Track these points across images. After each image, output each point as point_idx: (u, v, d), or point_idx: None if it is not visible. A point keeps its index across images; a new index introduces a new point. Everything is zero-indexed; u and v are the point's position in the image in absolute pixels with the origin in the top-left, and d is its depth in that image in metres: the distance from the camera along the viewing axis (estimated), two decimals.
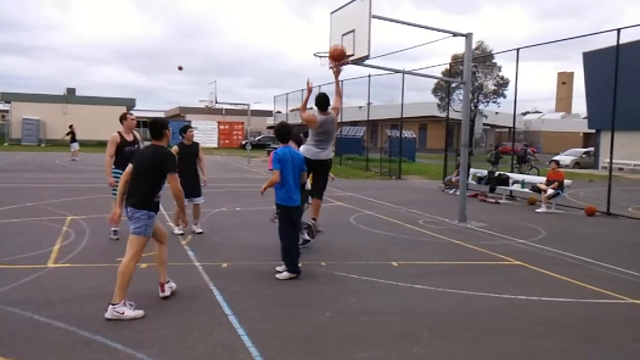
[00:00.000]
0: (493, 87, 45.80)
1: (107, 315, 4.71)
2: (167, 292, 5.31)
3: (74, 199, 12.56)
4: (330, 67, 10.74)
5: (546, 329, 4.85)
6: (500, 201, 15.03)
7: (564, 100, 71.97)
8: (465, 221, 10.87)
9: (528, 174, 20.18)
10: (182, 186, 5.25)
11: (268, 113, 58.69)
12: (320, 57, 10.55)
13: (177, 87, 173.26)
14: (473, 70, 24.82)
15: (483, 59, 41.41)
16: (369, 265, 7.09)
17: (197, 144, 9.03)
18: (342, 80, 8.23)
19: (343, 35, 9.95)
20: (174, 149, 8.47)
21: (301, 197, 6.73)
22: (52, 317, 4.70)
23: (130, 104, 48.99)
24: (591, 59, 30.01)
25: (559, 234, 9.99)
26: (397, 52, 24.87)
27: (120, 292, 4.82)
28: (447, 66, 26.01)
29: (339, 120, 7.59)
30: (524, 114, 64.06)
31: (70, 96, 50.49)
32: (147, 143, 5.83)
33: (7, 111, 51.24)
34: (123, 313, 4.73)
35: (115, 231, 8.09)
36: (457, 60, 28.41)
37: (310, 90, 7.56)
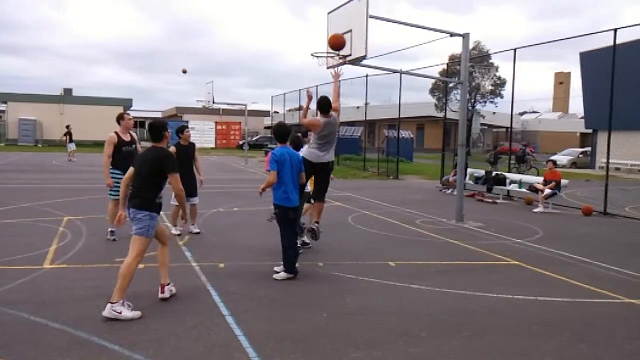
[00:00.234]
0: (490, 87, 45.87)
1: (105, 313, 4.71)
2: (167, 295, 5.30)
3: (70, 199, 12.54)
4: (329, 68, 10.76)
5: (542, 328, 4.86)
6: (498, 201, 15.06)
7: (561, 100, 72.13)
8: (462, 221, 10.88)
9: (527, 173, 20.21)
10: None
11: (265, 113, 58.67)
12: (318, 57, 10.56)
13: (174, 87, 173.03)
14: (470, 71, 24.87)
15: (480, 59, 41.48)
16: (366, 265, 7.09)
17: (193, 144, 9.03)
18: (339, 81, 8.24)
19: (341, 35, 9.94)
20: (171, 149, 8.46)
21: (300, 199, 6.74)
22: (48, 318, 4.69)
23: (127, 104, 48.91)
24: (588, 59, 30.07)
25: (556, 234, 10.00)
26: (394, 52, 24.89)
27: (120, 292, 4.83)
28: (445, 66, 26.00)
29: None
30: (521, 114, 64.20)
31: (67, 96, 50.41)
32: (144, 143, 5.84)
33: (3, 111, 51.12)
34: (120, 313, 4.72)
35: (112, 232, 8.08)
36: (454, 60, 28.47)
37: (310, 98, 7.59)
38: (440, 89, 43.80)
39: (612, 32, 12.58)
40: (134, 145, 8.33)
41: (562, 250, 8.37)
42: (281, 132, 6.55)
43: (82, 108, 46.05)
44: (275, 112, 48.19)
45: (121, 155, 8.10)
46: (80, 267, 6.52)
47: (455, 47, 53.51)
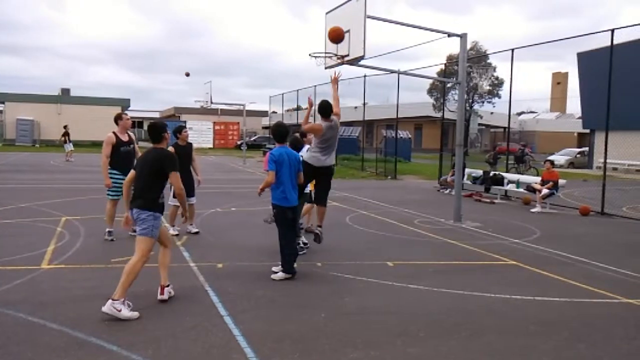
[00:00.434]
0: (488, 88, 45.93)
1: (105, 309, 4.71)
2: (166, 296, 5.29)
3: (68, 199, 12.52)
4: (327, 68, 10.77)
5: (540, 328, 4.87)
6: (495, 201, 15.07)
7: (558, 101, 72.20)
8: (460, 221, 10.89)
9: (527, 174, 20.20)
10: None
11: (264, 113, 58.67)
12: (316, 57, 10.56)
13: (173, 87, 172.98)
14: (468, 71, 24.90)
15: (478, 59, 41.53)
16: (364, 265, 7.10)
17: (190, 144, 9.04)
18: (338, 84, 8.24)
19: None
20: (170, 149, 8.45)
21: (300, 200, 6.74)
22: (46, 319, 4.68)
23: (124, 104, 48.85)
24: (585, 60, 30.14)
25: (554, 234, 10.02)
26: (392, 52, 24.94)
27: (122, 290, 4.85)
28: (442, 66, 26.04)
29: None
30: (519, 114, 64.25)
31: (64, 96, 50.34)
32: (142, 144, 5.88)
33: (1, 112, 51.01)
34: (120, 310, 4.73)
35: (110, 232, 8.07)
36: (452, 60, 28.50)
37: (311, 105, 7.61)
38: (438, 89, 43.82)
39: (610, 32, 12.61)
40: (132, 146, 8.32)
41: (559, 250, 8.39)
42: (280, 132, 6.55)
43: (80, 108, 45.95)
44: (274, 112, 48.16)
45: (119, 156, 8.09)
46: (78, 268, 6.51)
47: (453, 47, 53.51)
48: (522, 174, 19.79)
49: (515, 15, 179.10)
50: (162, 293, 5.29)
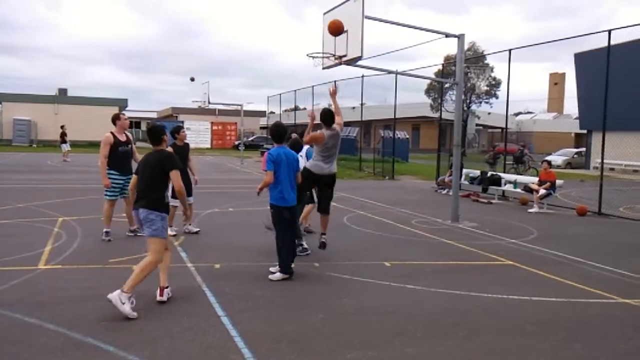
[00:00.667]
0: (485, 88, 45.98)
1: (111, 296, 4.76)
2: (164, 298, 5.29)
3: (65, 199, 12.50)
4: (324, 68, 10.78)
5: (537, 328, 4.88)
6: (493, 201, 15.10)
7: (555, 101, 72.29)
8: (457, 221, 10.91)
9: (526, 174, 20.21)
10: None
11: (261, 113, 58.62)
12: (314, 57, 10.58)
13: (170, 87, 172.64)
14: (465, 71, 24.91)
15: (475, 59, 41.57)
16: (362, 265, 7.10)
17: (187, 145, 9.06)
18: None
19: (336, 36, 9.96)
20: (169, 149, 8.47)
21: (299, 203, 6.75)
22: (43, 319, 4.67)
23: (122, 104, 48.75)
24: (583, 60, 30.19)
25: (551, 234, 10.04)
26: (390, 52, 24.93)
27: (132, 284, 4.91)
28: (440, 67, 26.07)
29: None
30: (516, 114, 64.30)
31: (61, 96, 50.21)
32: (139, 144, 5.93)
33: None
34: (124, 304, 4.76)
35: (107, 232, 8.06)
36: (449, 61, 28.51)
37: (313, 119, 7.65)
38: (436, 90, 43.89)
39: (607, 33, 12.64)
40: (129, 146, 8.32)
41: (556, 250, 8.40)
42: (278, 132, 6.56)
43: (77, 108, 45.83)
44: (272, 112, 48.20)
45: (117, 156, 8.09)
46: (75, 268, 6.50)
47: (451, 47, 53.57)
48: (521, 174, 19.80)
49: (513, 15, 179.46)
50: (161, 294, 5.29)
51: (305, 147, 8.17)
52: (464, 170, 16.92)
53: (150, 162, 5.38)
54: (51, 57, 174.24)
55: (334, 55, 10.16)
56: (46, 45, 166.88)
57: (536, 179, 14.47)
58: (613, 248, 8.99)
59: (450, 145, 16.90)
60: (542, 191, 13.31)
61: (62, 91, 53.37)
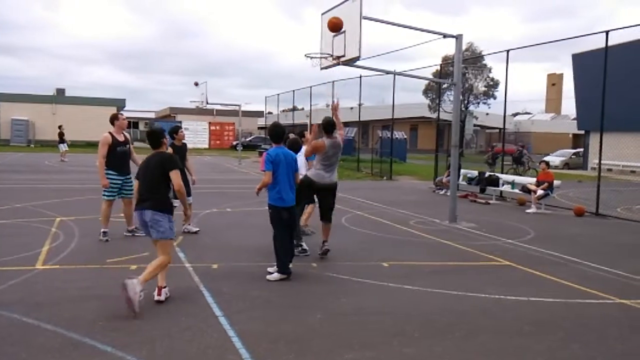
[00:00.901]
0: (483, 88, 46.03)
1: (130, 282, 4.81)
2: (162, 297, 5.29)
3: (63, 200, 12.48)
4: (322, 69, 10.79)
5: (534, 329, 4.89)
6: (490, 202, 15.11)
7: (553, 102, 72.41)
8: (455, 222, 10.92)
9: (526, 175, 20.23)
10: None
11: (259, 114, 58.64)
12: (312, 58, 10.58)
13: (168, 87, 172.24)
14: (463, 72, 24.97)
15: (473, 60, 41.63)
16: (360, 266, 7.11)
17: (185, 145, 9.08)
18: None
19: (334, 36, 9.99)
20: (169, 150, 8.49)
21: (299, 204, 6.78)
22: (40, 319, 4.67)
23: (120, 104, 48.72)
24: (580, 61, 30.25)
25: (548, 234, 10.06)
26: (388, 53, 24.95)
27: (146, 277, 5.03)
28: (438, 67, 26.10)
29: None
30: (514, 115, 64.40)
31: (59, 96, 50.16)
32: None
33: None
34: (137, 293, 4.80)
35: (104, 232, 8.05)
36: (447, 61, 28.55)
37: (316, 132, 7.66)
38: (434, 90, 43.91)
39: (604, 34, 12.66)
40: (128, 146, 8.32)
41: (554, 250, 8.42)
42: (276, 132, 6.57)
43: (75, 108, 45.80)
44: (269, 112, 48.19)
45: (115, 156, 8.08)
46: (73, 268, 6.49)
47: (449, 48, 53.63)
48: (521, 175, 19.80)
49: (511, 16, 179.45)
50: (159, 294, 5.29)
51: (304, 147, 8.18)
52: (462, 171, 16.94)
53: (151, 164, 5.45)
54: (49, 57, 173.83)
55: (332, 56, 10.17)
56: (44, 45, 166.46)
57: (532, 180, 14.50)
58: (610, 249, 9.01)
59: (448, 146, 16.94)
60: (540, 192, 13.33)
61: (60, 91, 53.30)
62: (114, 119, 8.33)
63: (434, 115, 36.04)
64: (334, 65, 10.37)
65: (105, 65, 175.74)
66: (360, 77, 24.27)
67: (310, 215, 8.74)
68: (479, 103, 46.86)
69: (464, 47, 12.39)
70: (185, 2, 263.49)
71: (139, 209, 5.40)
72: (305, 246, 7.53)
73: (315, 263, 7.10)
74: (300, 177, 6.98)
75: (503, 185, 15.68)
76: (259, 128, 61.30)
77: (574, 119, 42.50)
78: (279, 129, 6.63)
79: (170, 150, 8.52)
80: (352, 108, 37.97)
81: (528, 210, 13.24)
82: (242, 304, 5.34)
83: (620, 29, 12.84)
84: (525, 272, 7.08)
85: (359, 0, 9.40)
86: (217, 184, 17.09)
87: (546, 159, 17.54)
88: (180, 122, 45.96)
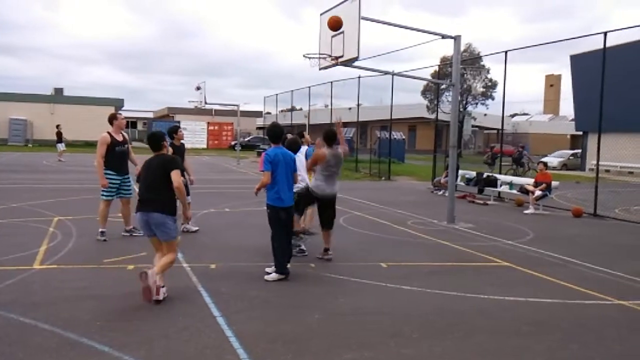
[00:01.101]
0: (481, 89, 46.09)
1: (150, 271, 5.11)
2: (160, 297, 5.28)
3: (60, 199, 12.46)
4: (321, 69, 10.78)
5: (533, 329, 4.88)
6: (489, 202, 15.11)
7: (551, 103, 72.45)
8: (453, 222, 10.92)
9: (526, 176, 20.22)
10: None
11: (258, 114, 58.62)
12: (310, 58, 10.57)
13: (167, 87, 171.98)
14: (462, 72, 24.96)
15: (472, 61, 41.67)
16: (358, 266, 7.10)
17: (183, 144, 9.07)
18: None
19: (332, 36, 9.98)
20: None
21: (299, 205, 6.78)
22: (38, 319, 4.65)
23: (118, 104, 48.67)
24: (578, 62, 30.30)
25: (546, 235, 10.06)
26: (386, 53, 24.91)
27: (160, 271, 5.27)
28: (436, 68, 26.09)
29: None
30: (512, 115, 64.53)
31: (57, 96, 50.12)
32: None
33: None
34: (155, 282, 5.12)
35: (102, 232, 8.03)
36: (446, 62, 28.57)
37: (319, 145, 7.68)
38: (432, 91, 43.94)
39: (602, 35, 12.68)
40: (126, 145, 8.31)
41: (552, 251, 8.42)
42: (274, 132, 6.58)
43: (73, 108, 45.75)
44: (268, 112, 48.17)
45: (114, 156, 8.07)
46: (70, 268, 6.47)
47: (447, 49, 53.67)
48: (521, 176, 19.79)
49: (510, 17, 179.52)
50: (157, 293, 5.28)
51: (304, 148, 8.18)
52: (460, 172, 16.95)
53: (152, 165, 5.53)
54: (48, 57, 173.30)
55: (330, 56, 10.16)
56: (43, 45, 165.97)
57: (530, 180, 14.51)
58: (608, 249, 9.01)
59: (446, 146, 16.95)
60: (538, 192, 13.34)
61: (59, 91, 53.23)
62: (112, 119, 8.31)
63: (433, 116, 36.05)
64: (333, 65, 10.36)
65: (104, 65, 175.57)
66: (359, 77, 24.27)
67: (312, 218, 8.71)
68: (477, 104, 46.94)
69: (462, 48, 12.40)
70: (184, 2, 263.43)
71: (143, 211, 5.41)
72: (303, 247, 7.52)
73: (313, 263, 7.09)
74: (299, 177, 6.98)
75: (501, 186, 15.69)
76: (257, 128, 61.28)
77: (571, 120, 42.57)
78: (278, 129, 6.63)
79: (170, 150, 8.55)
80: (350, 108, 38.01)
81: (526, 211, 13.25)
82: (240, 304, 5.33)
83: (619, 30, 12.89)
84: (524, 272, 7.08)
85: (358, 0, 9.41)
86: (215, 184, 17.07)
87: (544, 159, 17.56)
88: (179, 122, 45.96)
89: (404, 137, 37.48)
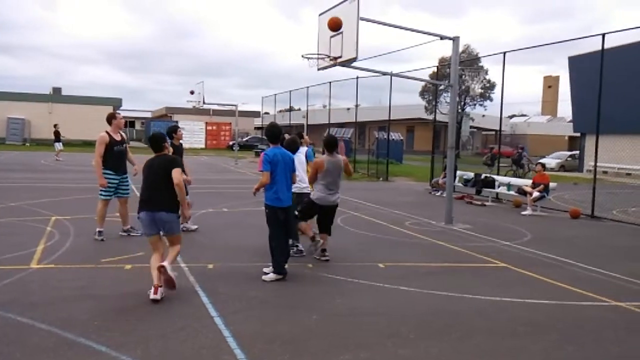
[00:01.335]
0: (480, 90, 46.13)
1: (167, 265, 5.31)
2: (159, 296, 5.28)
3: (58, 199, 12.44)
4: (319, 69, 10.78)
5: (530, 330, 4.89)
6: (486, 203, 15.13)
7: (549, 104, 72.55)
8: (451, 223, 10.93)
9: (527, 177, 20.21)
10: None
11: (256, 114, 58.56)
12: (309, 58, 10.58)
13: (166, 87, 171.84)
14: (460, 74, 24.96)
15: (470, 62, 41.71)
16: (355, 266, 7.11)
17: (181, 144, 9.09)
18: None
19: (331, 37, 9.99)
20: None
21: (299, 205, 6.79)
22: (35, 319, 4.65)
23: (116, 103, 48.60)
24: (577, 63, 30.35)
25: (544, 236, 10.08)
26: (385, 54, 24.98)
27: (172, 261, 5.56)
28: (435, 69, 26.12)
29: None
30: (510, 117, 64.60)
31: (56, 95, 49.98)
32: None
33: None
34: (173, 272, 5.39)
35: (100, 232, 8.02)
36: (444, 63, 28.60)
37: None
38: (430, 92, 43.96)
39: (601, 36, 12.70)
40: (124, 145, 8.30)
41: (549, 252, 8.43)
42: (273, 132, 6.58)
43: (71, 107, 45.66)
44: (266, 113, 48.13)
45: (112, 155, 8.06)
46: (68, 267, 6.47)
47: (446, 49, 53.70)
48: (521, 177, 19.78)
49: (508, 18, 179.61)
50: (155, 292, 5.28)
51: (304, 148, 8.18)
52: (458, 172, 16.96)
53: (154, 165, 5.62)
54: (46, 56, 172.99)
55: (329, 57, 10.17)
56: (42, 44, 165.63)
57: (528, 182, 14.53)
58: (606, 251, 9.03)
59: (444, 147, 16.95)
60: (536, 194, 13.36)
61: (57, 90, 53.10)
62: (111, 118, 8.30)
63: (431, 117, 36.08)
64: (331, 66, 10.37)
65: (102, 65, 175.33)
66: (357, 78, 24.28)
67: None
68: (475, 105, 47.01)
69: (460, 49, 12.42)
70: (183, 2, 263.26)
71: (148, 211, 5.46)
72: (301, 247, 7.52)
73: (311, 264, 7.10)
74: (297, 177, 6.98)
75: (499, 187, 15.71)
76: (255, 128, 61.24)
77: (570, 121, 42.62)
78: (276, 130, 6.64)
79: (171, 150, 8.56)
80: (348, 109, 38.07)
81: (524, 212, 13.26)
82: (237, 304, 5.33)
83: (617, 32, 12.90)
84: (521, 273, 7.09)
85: (357, 1, 9.42)
86: (213, 184, 17.06)
87: (542, 161, 17.58)
88: (177, 121, 45.92)
89: (402, 137, 37.53)
